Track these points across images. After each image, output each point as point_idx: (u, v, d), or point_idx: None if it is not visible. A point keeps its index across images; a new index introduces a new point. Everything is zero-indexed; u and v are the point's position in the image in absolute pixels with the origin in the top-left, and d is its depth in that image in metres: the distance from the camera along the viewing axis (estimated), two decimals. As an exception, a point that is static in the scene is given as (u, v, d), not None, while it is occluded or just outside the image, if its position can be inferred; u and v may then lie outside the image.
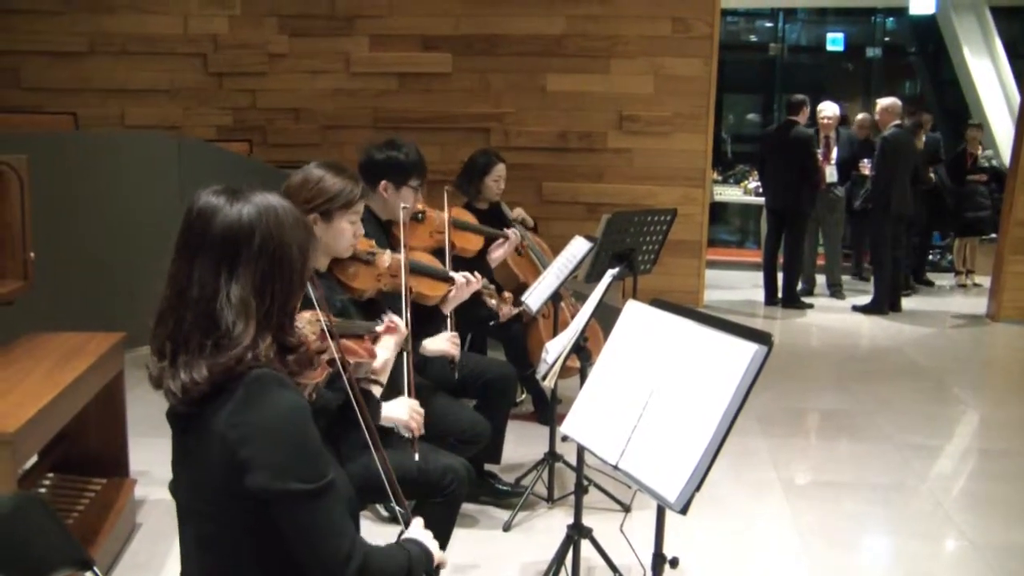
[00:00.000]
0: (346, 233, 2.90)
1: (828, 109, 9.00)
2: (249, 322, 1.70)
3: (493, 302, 3.81)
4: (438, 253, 4.18)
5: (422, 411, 2.86)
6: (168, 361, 1.71)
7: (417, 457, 2.85)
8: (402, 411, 2.81)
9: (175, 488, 1.83)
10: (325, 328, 2.10)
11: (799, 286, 9.09)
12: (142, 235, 6.22)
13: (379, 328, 2.47)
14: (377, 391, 2.45)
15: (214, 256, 1.71)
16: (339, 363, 2.08)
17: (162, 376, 1.72)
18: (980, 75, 12.13)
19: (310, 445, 1.69)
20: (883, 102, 8.73)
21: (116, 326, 3.96)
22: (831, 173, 8.90)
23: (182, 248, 1.75)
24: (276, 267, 1.75)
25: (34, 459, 3.72)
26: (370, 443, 2.12)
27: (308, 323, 2.11)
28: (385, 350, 2.44)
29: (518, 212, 5.31)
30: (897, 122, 8.44)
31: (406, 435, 2.83)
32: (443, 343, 3.57)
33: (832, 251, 9.45)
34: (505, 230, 4.79)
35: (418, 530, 2.03)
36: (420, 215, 4.21)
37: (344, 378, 2.10)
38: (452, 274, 3.61)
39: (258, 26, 8.30)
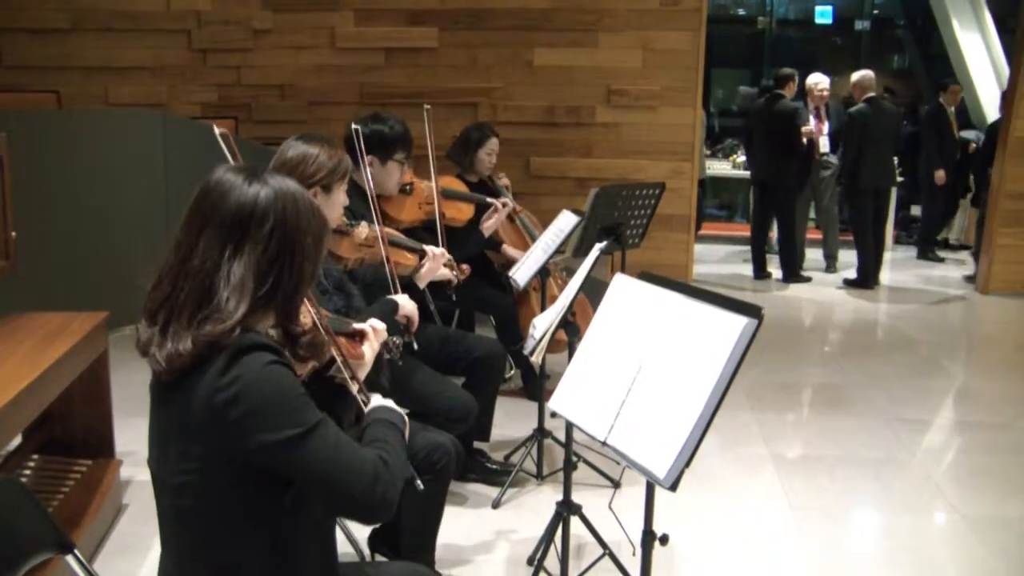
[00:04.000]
0: (340, 202, 3.00)
1: (823, 81, 8.98)
2: (242, 301, 1.68)
3: (454, 273, 3.80)
4: (429, 225, 4.17)
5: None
6: (159, 328, 1.70)
7: (416, 345, 3.16)
8: (411, 304, 3.10)
9: (154, 462, 1.80)
10: (317, 323, 2.05)
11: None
12: (126, 214, 6.18)
13: (359, 327, 2.40)
14: (354, 389, 2.37)
15: (222, 231, 1.71)
16: (337, 357, 2.07)
17: (150, 343, 1.71)
18: (969, 48, 12.09)
19: (294, 392, 1.68)
20: (856, 75, 8.73)
21: (100, 305, 3.92)
22: (824, 143, 8.88)
23: (191, 217, 1.74)
24: (286, 254, 1.74)
25: (18, 441, 3.69)
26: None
27: (301, 314, 2.06)
28: (368, 349, 2.37)
29: (504, 180, 5.28)
30: (871, 95, 8.44)
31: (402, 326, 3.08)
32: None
33: (828, 223, 9.43)
34: (501, 198, 4.75)
35: (380, 399, 2.09)
36: (408, 187, 4.18)
37: (340, 367, 2.09)
38: (424, 247, 3.59)
39: (242, 2, 8.20)
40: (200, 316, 1.67)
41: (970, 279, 9.23)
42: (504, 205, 4.71)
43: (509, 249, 5.03)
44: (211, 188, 1.74)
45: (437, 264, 3.58)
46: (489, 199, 4.73)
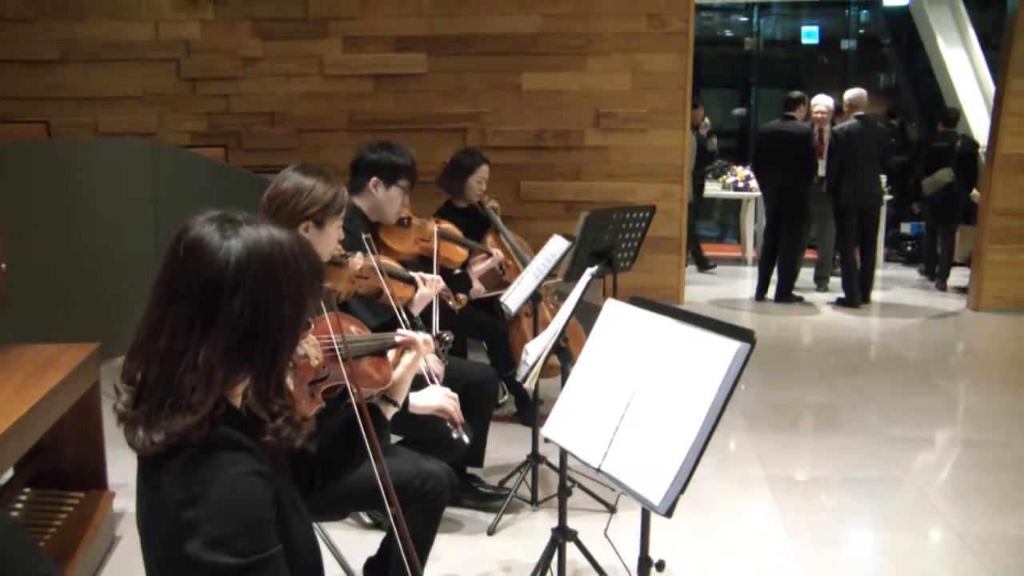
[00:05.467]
0: (334, 238, 2.95)
1: (823, 102, 9.02)
2: (211, 391, 1.56)
3: (451, 303, 3.81)
4: (423, 261, 4.21)
5: (455, 395, 2.86)
6: (132, 401, 1.61)
7: (467, 439, 2.85)
8: (437, 397, 2.83)
9: (136, 516, 1.72)
10: (339, 353, 1.96)
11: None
12: (116, 243, 6.16)
13: (399, 339, 2.33)
14: (390, 412, 2.28)
15: (189, 307, 1.57)
16: (351, 395, 1.96)
17: (126, 415, 1.61)
18: (954, 66, 12.16)
19: (252, 516, 1.54)
20: (848, 94, 8.77)
21: (91, 336, 3.89)
22: (822, 166, 8.90)
23: (161, 284, 1.61)
24: (259, 329, 1.59)
25: (10, 474, 3.66)
26: (371, 460, 2.03)
27: (312, 346, 1.99)
28: (401, 366, 2.29)
29: (492, 203, 5.28)
30: (860, 113, 8.48)
31: (447, 421, 2.83)
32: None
33: (825, 244, 9.46)
34: (494, 249, 4.78)
35: None
36: (406, 221, 4.22)
37: (353, 403, 1.98)
38: (414, 275, 3.59)
39: (231, 30, 8.23)
40: (168, 402, 1.55)
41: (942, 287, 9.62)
42: (491, 256, 4.73)
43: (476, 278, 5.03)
44: (183, 253, 1.60)
45: (433, 291, 3.58)
46: (483, 247, 4.74)
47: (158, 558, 1.62)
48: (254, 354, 1.60)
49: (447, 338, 2.77)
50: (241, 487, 1.54)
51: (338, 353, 1.95)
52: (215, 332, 1.56)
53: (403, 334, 2.29)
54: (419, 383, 2.79)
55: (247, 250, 1.58)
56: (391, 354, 2.31)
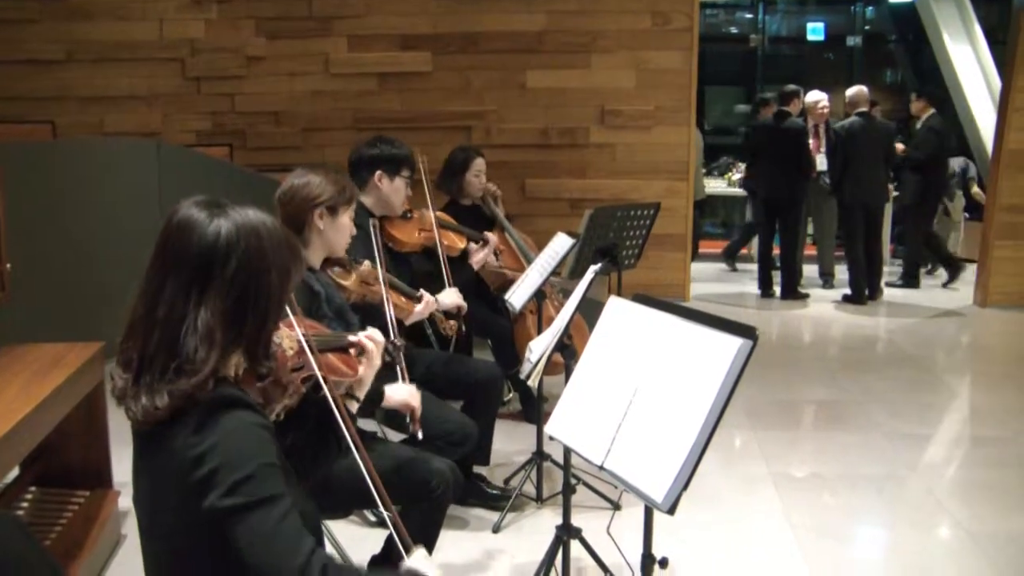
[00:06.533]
0: (347, 228, 3.06)
1: (824, 98, 9.00)
2: (212, 350, 1.66)
3: (443, 327, 3.85)
4: (427, 251, 4.24)
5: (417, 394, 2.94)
6: (132, 378, 1.68)
7: (420, 436, 2.92)
8: (403, 393, 2.92)
9: (136, 502, 1.78)
10: (305, 344, 2.02)
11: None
12: (122, 243, 6.16)
13: (354, 339, 2.38)
14: (353, 407, 2.33)
15: (186, 277, 1.68)
16: (322, 382, 2.00)
17: (125, 392, 1.68)
18: (960, 62, 12.14)
19: (262, 461, 1.62)
20: (849, 92, 8.76)
21: (95, 335, 3.90)
22: (821, 162, 8.89)
23: (156, 263, 1.72)
24: (251, 294, 1.71)
25: (15, 473, 3.67)
26: (354, 450, 2.05)
27: (286, 337, 2.03)
28: (364, 365, 2.36)
29: (493, 187, 5.24)
30: (862, 109, 8.47)
31: (406, 416, 2.94)
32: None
33: (824, 240, 9.45)
34: (486, 233, 4.76)
35: (420, 560, 1.89)
36: (408, 213, 4.25)
37: (326, 394, 2.01)
38: (421, 293, 3.63)
39: (235, 29, 8.23)
40: (172, 367, 1.64)
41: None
42: (486, 243, 4.71)
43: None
44: (173, 230, 1.72)
45: (425, 311, 3.64)
46: (478, 234, 4.73)
47: (169, 527, 1.68)
48: (247, 318, 1.71)
49: (398, 343, 2.82)
50: (252, 436, 1.64)
51: (304, 345, 2.00)
52: (211, 297, 1.68)
53: (354, 338, 2.34)
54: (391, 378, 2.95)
55: (236, 226, 1.72)
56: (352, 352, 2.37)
